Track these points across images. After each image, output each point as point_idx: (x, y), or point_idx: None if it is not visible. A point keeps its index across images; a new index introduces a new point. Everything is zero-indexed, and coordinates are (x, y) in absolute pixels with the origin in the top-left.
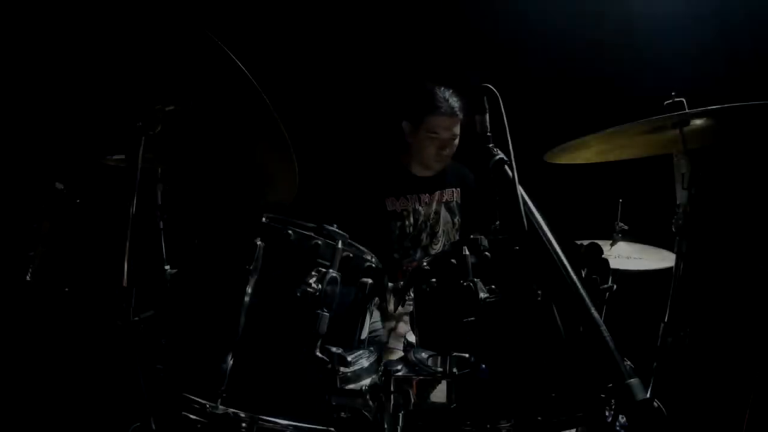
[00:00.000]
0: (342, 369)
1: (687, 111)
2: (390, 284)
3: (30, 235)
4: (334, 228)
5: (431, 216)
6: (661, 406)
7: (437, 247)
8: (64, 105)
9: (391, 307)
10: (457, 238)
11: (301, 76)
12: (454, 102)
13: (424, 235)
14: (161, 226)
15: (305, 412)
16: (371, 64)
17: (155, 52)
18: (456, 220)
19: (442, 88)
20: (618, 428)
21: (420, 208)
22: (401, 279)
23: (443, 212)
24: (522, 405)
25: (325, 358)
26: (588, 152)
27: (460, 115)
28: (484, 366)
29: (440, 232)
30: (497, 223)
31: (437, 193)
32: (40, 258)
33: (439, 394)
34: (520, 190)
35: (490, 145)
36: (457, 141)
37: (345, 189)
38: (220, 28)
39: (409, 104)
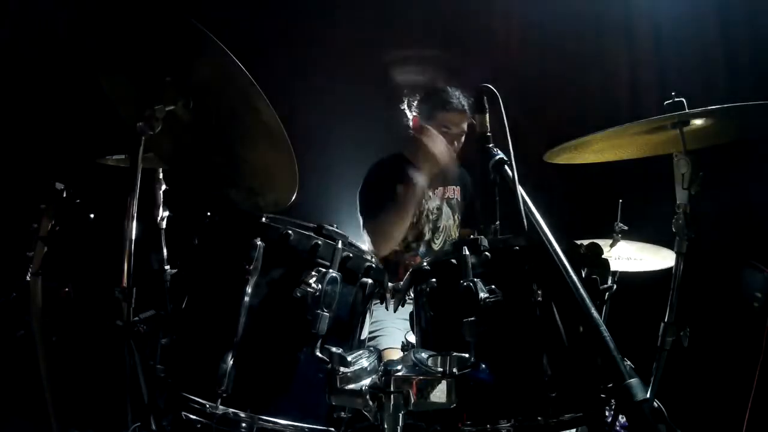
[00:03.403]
0: (342, 369)
1: (687, 111)
2: (390, 284)
3: (30, 235)
4: (334, 228)
5: (434, 211)
6: (661, 406)
7: (438, 242)
8: (63, 105)
9: (391, 307)
10: (457, 234)
11: (300, 76)
12: (463, 99)
13: (426, 229)
14: (161, 226)
15: (305, 412)
16: (373, 63)
17: (156, 52)
18: (456, 216)
19: (451, 87)
20: (618, 428)
21: (424, 202)
22: (404, 269)
23: (445, 208)
24: (522, 405)
25: (325, 358)
26: (588, 152)
27: (469, 112)
28: (484, 366)
29: (442, 227)
30: (497, 223)
31: (439, 189)
32: (40, 258)
33: (439, 394)
34: (520, 190)
35: (490, 145)
36: (463, 138)
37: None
38: (220, 28)
39: (420, 101)
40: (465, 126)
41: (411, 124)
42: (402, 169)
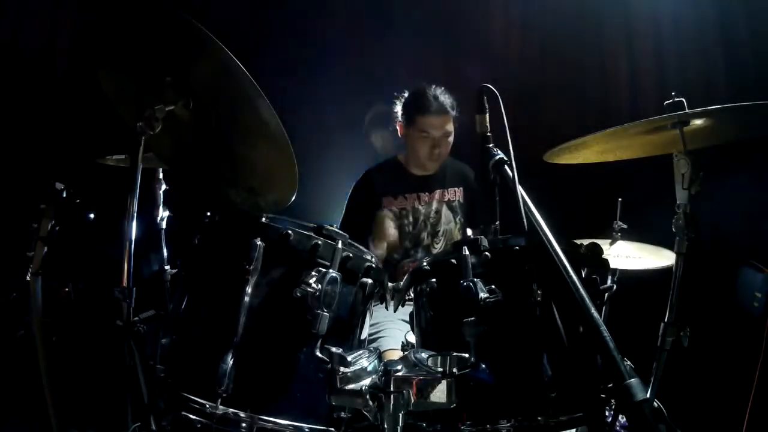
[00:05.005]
0: (342, 369)
1: (687, 111)
2: (390, 284)
3: (30, 235)
4: (334, 228)
5: (432, 215)
6: (661, 406)
7: (439, 246)
8: (63, 105)
9: (391, 307)
10: (461, 237)
11: (300, 76)
12: (445, 100)
13: (424, 234)
14: (161, 226)
15: (305, 412)
16: (369, 64)
17: (156, 52)
18: (459, 219)
19: (433, 87)
20: (618, 428)
21: (420, 207)
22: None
23: (445, 211)
24: (522, 405)
25: (325, 358)
26: (588, 152)
27: (452, 113)
28: (484, 366)
29: (441, 231)
30: (497, 223)
31: (437, 192)
32: (40, 258)
33: (439, 394)
34: (520, 190)
35: (490, 145)
36: (450, 139)
37: (347, 192)
38: (220, 28)
39: (402, 106)
40: (448, 127)
41: (398, 128)
42: (390, 178)
